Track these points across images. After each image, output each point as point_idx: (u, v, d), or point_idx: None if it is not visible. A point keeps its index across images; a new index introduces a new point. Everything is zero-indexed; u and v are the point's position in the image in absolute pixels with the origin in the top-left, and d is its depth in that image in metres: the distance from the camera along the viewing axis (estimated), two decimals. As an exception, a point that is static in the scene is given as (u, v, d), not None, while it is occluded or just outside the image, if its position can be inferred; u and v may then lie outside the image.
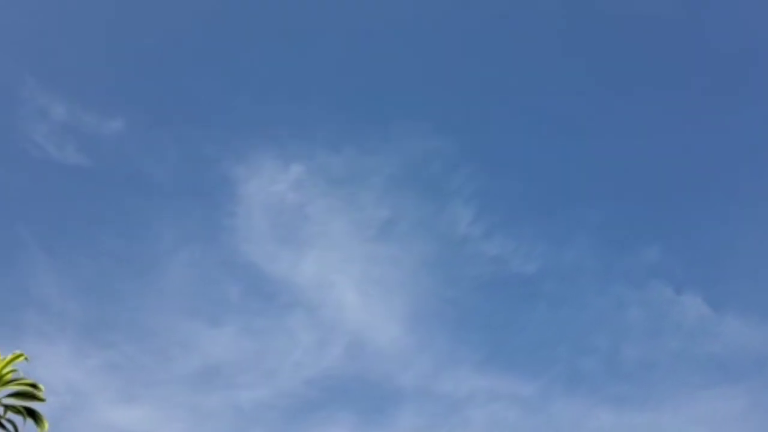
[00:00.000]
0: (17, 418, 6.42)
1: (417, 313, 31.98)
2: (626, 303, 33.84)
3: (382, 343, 31.07)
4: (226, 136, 33.71)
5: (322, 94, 35.50)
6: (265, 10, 33.17)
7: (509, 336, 32.50)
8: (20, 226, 27.48)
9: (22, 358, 6.50)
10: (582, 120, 37.16)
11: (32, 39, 27.74)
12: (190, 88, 32.76)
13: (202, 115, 34.14)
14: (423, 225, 33.30)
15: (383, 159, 33.72)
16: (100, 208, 31.60)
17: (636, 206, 36.92)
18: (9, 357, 6.46)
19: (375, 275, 32.26)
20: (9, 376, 6.49)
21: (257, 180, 32.70)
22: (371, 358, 30.75)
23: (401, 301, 32.10)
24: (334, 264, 33.01)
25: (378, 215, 32.98)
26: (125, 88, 31.17)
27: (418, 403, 30.14)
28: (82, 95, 30.28)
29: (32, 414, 6.47)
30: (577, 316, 33.29)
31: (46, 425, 6.37)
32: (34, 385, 6.55)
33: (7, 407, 6.50)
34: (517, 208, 35.40)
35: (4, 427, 6.25)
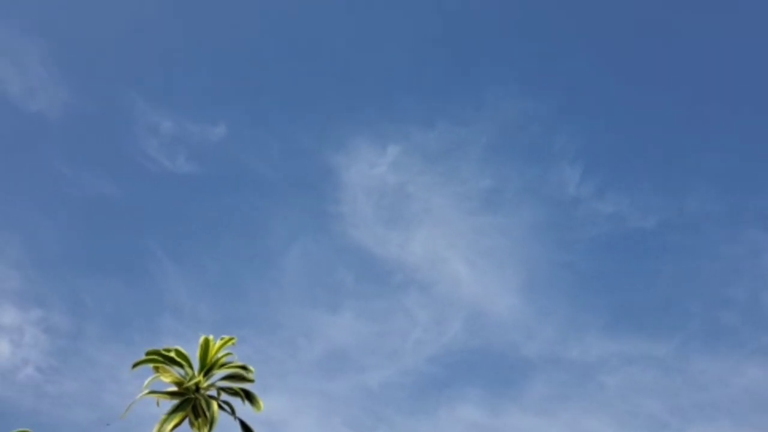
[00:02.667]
0: (233, 400, 6.59)
1: (533, 281, 31.37)
2: (762, 248, 31.88)
3: (502, 315, 30.69)
4: (322, 126, 34.10)
5: (408, 72, 35.25)
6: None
7: (635, 295, 31.35)
8: (147, 237, 28.68)
9: (231, 342, 6.67)
10: (683, 64, 35.21)
11: (134, 60, 28.83)
12: (281, 83, 33.29)
13: (296, 109, 34.66)
14: (528, 190, 32.54)
15: (478, 128, 33.15)
16: (216, 211, 32.71)
17: (761, 146, 34.62)
18: (220, 342, 6.64)
19: (485, 247, 31.86)
20: (223, 360, 6.67)
21: (357, 165, 32.93)
22: (492, 331, 30.44)
23: (515, 271, 31.56)
24: (442, 240, 32.85)
25: (480, 186, 32.51)
26: (222, 95, 32.02)
27: (546, 372, 29.63)
28: (185, 107, 31.30)
29: (248, 395, 6.63)
30: (707, 267, 31.68)
31: (262, 405, 6.51)
32: (244, 368, 6.71)
33: (222, 389, 6.69)
34: (627, 161, 33.99)
35: (222, 408, 6.42)
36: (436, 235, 32.90)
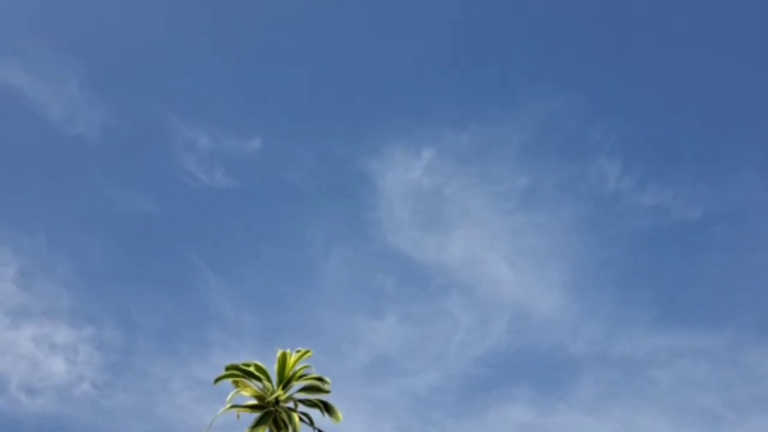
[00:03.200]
0: (311, 411, 6.73)
1: (576, 279, 31.10)
2: (813, 235, 31.07)
3: (546, 314, 30.52)
4: (356, 134, 34.32)
5: (439, 75, 35.32)
6: (365, 4, 33.39)
7: (682, 289, 30.89)
8: (190, 251, 29.19)
9: (308, 355, 6.81)
10: (721, 49, 34.64)
11: (168, 79, 29.37)
12: (312, 94, 33.61)
13: (329, 118, 34.95)
14: (566, 187, 32.30)
15: (512, 128, 33.01)
16: (255, 222, 33.11)
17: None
18: (297, 355, 6.78)
19: (525, 246, 31.69)
20: (300, 372, 6.81)
21: (392, 171, 33.03)
22: (536, 330, 30.26)
23: (557, 269, 31.35)
24: (481, 241, 32.77)
25: (517, 185, 32.36)
26: (256, 108, 32.43)
27: (594, 370, 29.35)
28: (221, 122, 31.80)
29: (326, 407, 6.77)
30: (757, 257, 31.08)
31: (341, 416, 6.63)
32: (321, 379, 6.84)
33: (300, 401, 6.83)
34: (667, 152, 33.54)
35: (301, 420, 6.56)
36: (474, 236, 32.87)
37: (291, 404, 6.87)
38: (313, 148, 33.29)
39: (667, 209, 31.83)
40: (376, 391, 29.21)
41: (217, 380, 6.63)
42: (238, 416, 6.47)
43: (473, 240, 33.18)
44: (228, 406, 6.41)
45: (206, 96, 31.67)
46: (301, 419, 6.65)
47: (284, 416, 6.71)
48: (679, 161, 33.72)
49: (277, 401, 6.60)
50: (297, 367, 6.82)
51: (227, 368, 6.77)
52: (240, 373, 6.77)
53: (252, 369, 6.74)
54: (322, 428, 6.56)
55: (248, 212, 32.87)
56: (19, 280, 21.75)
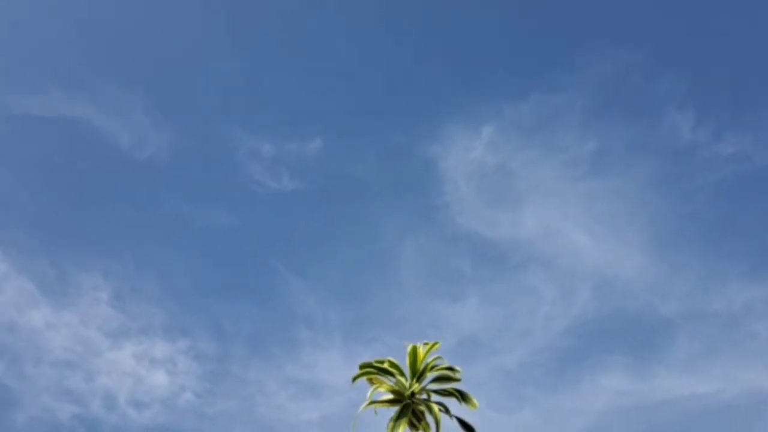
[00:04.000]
0: (445, 400, 6.92)
1: (659, 238, 30.43)
2: None
3: (630, 277, 29.98)
4: (413, 120, 34.37)
5: (493, 48, 34.94)
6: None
7: (772, 236, 29.74)
8: (269, 257, 29.95)
9: (436, 347, 7.00)
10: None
11: (226, 93, 30.06)
12: (365, 87, 33.81)
13: (385, 109, 35.08)
14: (637, 145, 31.54)
15: (573, 92, 32.42)
16: (326, 221, 33.63)
17: None
18: (426, 347, 6.98)
19: (601, 211, 31.16)
20: (432, 363, 7.01)
21: (454, 153, 32.94)
22: (623, 295, 29.78)
23: (638, 230, 30.73)
24: (554, 211, 32.40)
25: (585, 150, 31.78)
26: (311, 110, 32.86)
27: (689, 328, 28.72)
28: (280, 129, 32.39)
29: (462, 395, 6.95)
30: None
31: (477, 403, 6.80)
32: (451, 369, 7.03)
33: (434, 392, 7.04)
34: (743, 96, 32.29)
35: (433, 409, 6.75)
36: (546, 208, 32.48)
37: (425, 396, 7.08)
38: (372, 141, 33.55)
39: (748, 156, 30.71)
40: (467, 372, 29.21)
41: (354, 379, 6.90)
42: (375, 411, 6.73)
43: (546, 212, 32.84)
44: (367, 403, 6.68)
45: (262, 105, 32.33)
46: (430, 409, 6.84)
47: (421, 408, 6.93)
48: (756, 105, 32.42)
49: (412, 394, 6.83)
50: (428, 359, 7.02)
51: (361, 366, 7.04)
52: (374, 370, 7.02)
53: (386, 365, 6.99)
54: (458, 416, 6.74)
55: (318, 212, 33.45)
56: (113, 302, 22.77)
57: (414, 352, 6.99)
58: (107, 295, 22.49)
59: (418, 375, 6.99)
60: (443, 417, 6.68)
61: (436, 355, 6.99)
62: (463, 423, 6.70)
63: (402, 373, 6.97)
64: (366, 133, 33.56)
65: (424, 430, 6.69)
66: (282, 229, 32.05)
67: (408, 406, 6.84)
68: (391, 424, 6.62)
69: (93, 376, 20.39)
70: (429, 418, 6.81)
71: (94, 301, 22.00)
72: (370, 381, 7.01)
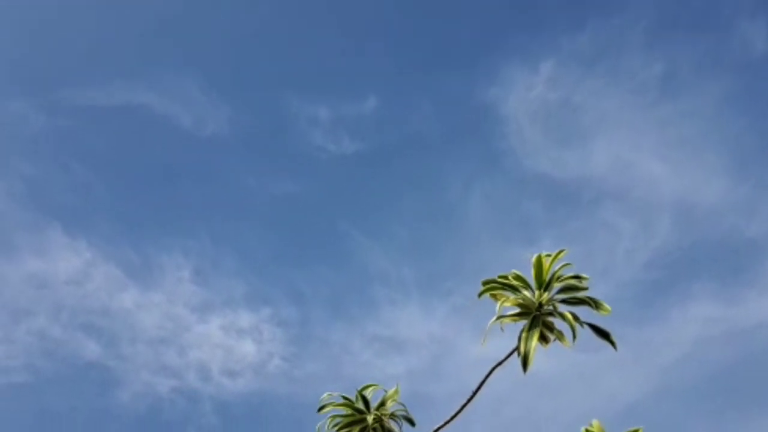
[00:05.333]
0: (575, 309, 6.63)
1: (740, 158, 29.09)
2: None
3: (712, 201, 28.89)
4: (466, 65, 33.68)
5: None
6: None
7: None
8: (338, 220, 30.01)
9: (563, 254, 6.69)
10: None
11: (277, 62, 30.19)
12: (414, 37, 33.26)
13: (436, 57, 34.48)
14: (707, 62, 30.07)
15: (633, 13, 31.07)
16: (390, 179, 33.50)
17: None
18: (552, 256, 6.69)
19: (675, 136, 30.02)
20: (558, 273, 6.71)
21: (513, 94, 32.25)
22: (705, 220, 28.76)
23: (716, 152, 29.48)
24: (625, 142, 31.40)
25: (652, 74, 30.55)
26: (362, 67, 32.60)
27: (779, 248, 27.48)
28: (334, 91, 32.23)
29: (594, 302, 6.64)
30: None
31: (609, 308, 6.49)
32: (578, 277, 6.71)
33: (563, 302, 6.75)
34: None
35: (566, 317, 6.47)
36: (616, 139, 31.51)
37: (552, 307, 6.80)
38: (427, 92, 33.11)
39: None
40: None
41: (480, 295, 6.66)
42: (501, 328, 6.48)
43: (616, 143, 31.80)
44: (494, 318, 6.44)
45: (313, 70, 32.30)
46: (562, 317, 6.55)
47: (550, 318, 6.67)
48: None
49: (540, 305, 6.55)
50: (555, 268, 6.71)
51: (484, 283, 6.79)
52: (498, 285, 6.77)
53: (510, 279, 6.72)
54: (591, 323, 6.45)
55: (381, 170, 33.38)
56: (196, 279, 23.29)
57: (539, 263, 6.70)
58: (189, 272, 23.02)
59: (544, 286, 6.69)
60: (579, 326, 6.40)
61: (561, 264, 6.68)
62: (597, 329, 6.40)
63: (527, 286, 6.70)
64: (420, 86, 33.15)
65: (558, 338, 6.43)
66: (347, 191, 32.17)
67: (537, 318, 6.57)
68: (524, 335, 6.37)
69: (185, 350, 20.94)
70: (561, 326, 6.55)
71: (178, 280, 22.51)
72: (494, 297, 6.76)
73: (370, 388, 8.15)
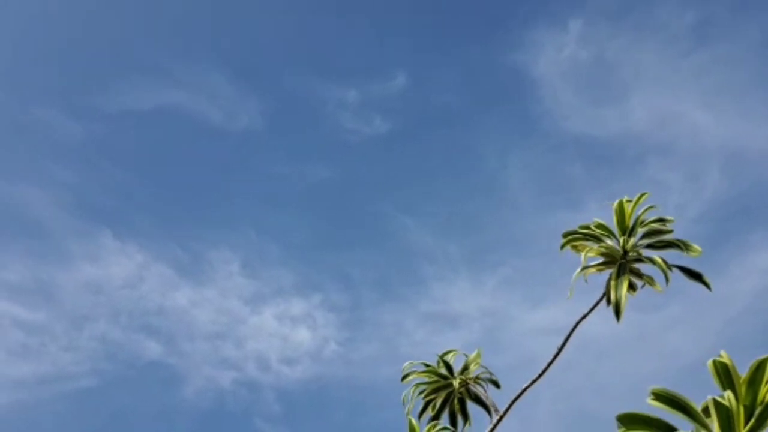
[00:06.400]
0: (660, 254, 6.44)
1: (785, 101, 28.13)
2: None
3: (762, 146, 27.99)
4: (492, 32, 33.10)
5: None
6: None
7: None
8: (377, 202, 29.92)
9: (646, 197, 6.50)
10: None
11: (303, 49, 29.96)
12: (436, 10, 32.78)
13: (461, 28, 33.96)
14: (743, 5, 29.09)
15: (661, -35, 30.20)
16: (425, 156, 33.23)
17: None
18: (633, 201, 6.51)
19: (715, 84, 29.16)
20: (642, 217, 6.53)
21: (543, 56, 31.59)
22: (756, 167, 27.90)
23: (759, 95, 28.54)
24: (664, 95, 30.62)
25: (685, 23, 29.66)
26: (387, 46, 32.28)
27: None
28: (361, 72, 31.98)
29: (683, 243, 6.45)
30: None
31: (699, 249, 6.28)
32: (661, 220, 6.52)
33: (648, 246, 6.57)
34: None
35: (656, 261, 6.29)
36: (654, 93, 30.73)
37: (637, 253, 6.62)
38: (455, 63, 32.65)
39: None
40: (604, 277, 28.41)
41: (562, 247, 6.53)
42: (585, 279, 6.34)
43: (655, 97, 31.03)
44: (579, 270, 6.30)
45: (337, 53, 32.09)
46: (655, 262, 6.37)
47: (637, 265, 6.50)
48: None
49: (625, 253, 6.38)
50: (637, 213, 6.53)
51: (565, 235, 6.65)
52: (579, 236, 6.62)
53: (592, 228, 6.56)
54: (682, 265, 6.26)
55: (416, 148, 33.12)
56: (245, 272, 23.45)
57: (621, 208, 6.52)
58: (237, 266, 23.18)
59: (628, 231, 6.53)
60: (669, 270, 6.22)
61: (644, 207, 6.49)
62: (688, 271, 6.21)
63: (610, 234, 6.53)
64: (447, 58, 32.72)
65: (648, 283, 6.26)
66: (384, 171, 32.00)
67: (624, 265, 6.41)
68: (612, 283, 6.22)
69: (242, 342, 21.13)
70: (650, 272, 6.37)
71: (228, 274, 22.69)
72: (575, 248, 6.62)
73: (451, 354, 8.07)
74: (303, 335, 24.45)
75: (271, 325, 24.24)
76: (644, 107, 32.03)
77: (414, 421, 6.56)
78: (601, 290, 6.38)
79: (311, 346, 24.51)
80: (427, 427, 6.35)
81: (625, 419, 3.81)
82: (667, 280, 6.16)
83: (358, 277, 28.79)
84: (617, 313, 6.17)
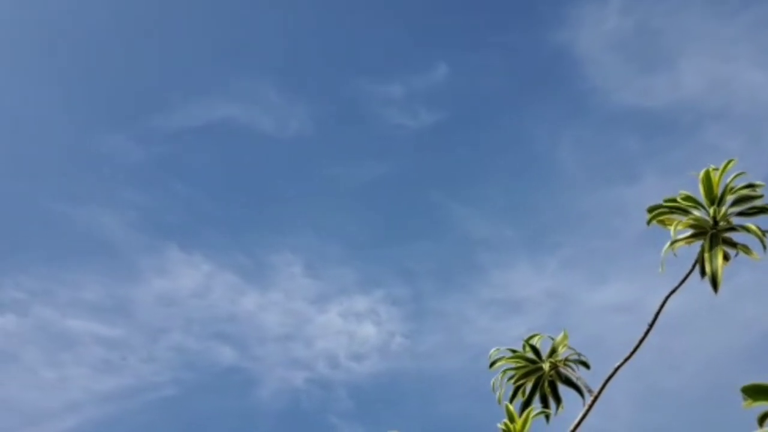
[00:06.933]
0: (756, 221, 6.27)
1: None
2: None
3: (824, 104, 26.94)
4: (530, 14, 32.67)
5: None
6: None
7: None
8: (430, 193, 30.02)
9: (733, 163, 6.33)
10: None
11: (344, 49, 30.26)
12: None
13: (498, 13, 33.62)
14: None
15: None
16: (474, 143, 33.12)
17: None
18: (721, 168, 6.35)
19: (767, 41, 28.15)
20: (731, 184, 6.37)
21: (585, 31, 31.03)
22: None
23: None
24: (714, 57, 29.73)
25: (728, -14, 28.75)
26: (427, 37, 32.21)
27: None
28: (403, 65, 32.07)
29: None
30: None
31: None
32: (751, 186, 6.34)
33: (740, 214, 6.40)
34: None
35: (751, 229, 6.12)
36: (705, 56, 29.87)
37: (730, 224, 6.45)
38: (495, 48, 32.35)
39: None
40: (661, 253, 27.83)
41: (648, 222, 6.42)
42: (674, 253, 6.21)
43: (705, 60, 30.16)
44: (669, 244, 6.18)
45: (378, 49, 32.28)
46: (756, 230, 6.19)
47: (728, 234, 6.34)
48: None
49: (715, 222, 6.23)
50: (725, 180, 6.37)
51: (650, 210, 6.53)
52: (665, 209, 6.49)
53: (678, 201, 6.43)
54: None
55: (464, 136, 33.04)
56: (307, 273, 23.87)
57: (707, 178, 6.36)
58: (300, 268, 23.63)
59: (716, 201, 6.37)
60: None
61: (733, 174, 6.33)
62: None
63: (698, 204, 6.39)
64: (486, 43, 32.49)
65: (743, 252, 6.11)
66: (434, 162, 32.06)
67: (716, 235, 6.26)
68: (706, 255, 6.08)
69: (311, 341, 21.51)
70: (745, 240, 6.20)
71: (291, 276, 23.14)
72: (663, 223, 6.49)
73: (536, 337, 8.03)
74: (369, 331, 24.75)
75: (337, 323, 24.61)
76: (695, 72, 31.17)
77: (511, 407, 6.57)
78: (674, 264, 6.26)
79: (377, 340, 24.80)
80: (526, 412, 6.35)
81: (751, 391, 3.74)
82: (764, 247, 5.99)
83: (418, 269, 28.93)
84: (714, 284, 6.01)
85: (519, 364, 8.20)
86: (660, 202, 7.04)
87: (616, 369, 7.24)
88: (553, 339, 8.48)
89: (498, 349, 8.41)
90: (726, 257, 7.04)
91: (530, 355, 8.26)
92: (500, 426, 6.51)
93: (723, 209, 6.77)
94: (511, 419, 6.58)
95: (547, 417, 7.88)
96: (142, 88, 25.91)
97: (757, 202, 6.95)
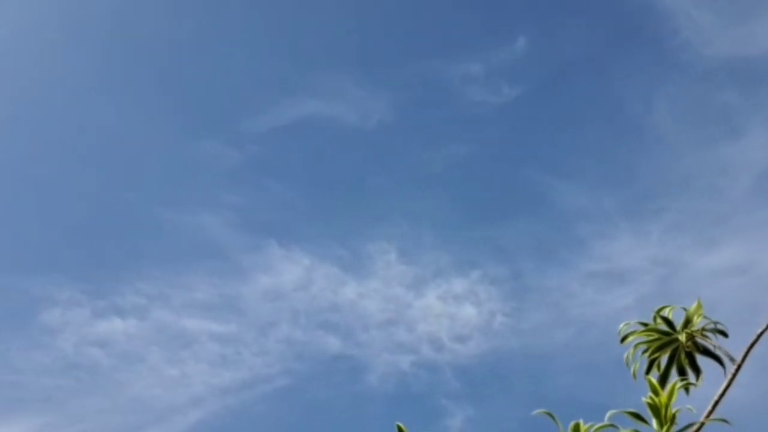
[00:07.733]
0: None
1: None
2: None
3: None
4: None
5: None
6: None
7: None
8: (523, 169, 29.57)
9: None
10: None
11: (418, 31, 30.22)
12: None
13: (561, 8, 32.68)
14: None
15: None
16: (562, 114, 32.37)
17: None
18: None
19: None
20: None
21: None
22: None
23: None
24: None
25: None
26: (503, 10, 31.63)
27: None
28: (480, 42, 31.63)
29: None
30: None
31: None
32: None
33: None
34: None
35: None
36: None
37: None
38: (574, 12, 31.33)
39: None
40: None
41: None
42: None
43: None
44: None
45: (453, 28, 31.94)
46: None
47: None
48: None
49: None
50: None
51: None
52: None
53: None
54: None
55: (549, 107, 32.27)
56: (402, 259, 24.25)
57: None
58: (395, 254, 24.00)
59: None
60: None
61: None
62: None
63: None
64: (566, 10, 31.57)
65: None
66: (521, 137, 31.52)
67: None
68: None
69: (413, 326, 21.85)
70: None
71: (387, 264, 23.57)
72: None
73: (668, 309, 7.82)
74: (469, 312, 24.78)
75: (436, 306, 24.78)
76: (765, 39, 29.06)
77: (654, 381, 6.46)
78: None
79: (479, 321, 24.79)
80: (671, 384, 6.23)
81: None
82: None
83: (514, 246, 28.61)
84: None
85: (652, 337, 7.99)
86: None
87: (759, 335, 6.95)
88: (686, 309, 8.22)
89: (627, 323, 8.22)
90: None
91: (663, 327, 8.03)
92: (645, 400, 6.40)
93: None
94: (656, 392, 6.46)
95: (687, 389, 7.68)
96: (230, 93, 26.91)
97: None
